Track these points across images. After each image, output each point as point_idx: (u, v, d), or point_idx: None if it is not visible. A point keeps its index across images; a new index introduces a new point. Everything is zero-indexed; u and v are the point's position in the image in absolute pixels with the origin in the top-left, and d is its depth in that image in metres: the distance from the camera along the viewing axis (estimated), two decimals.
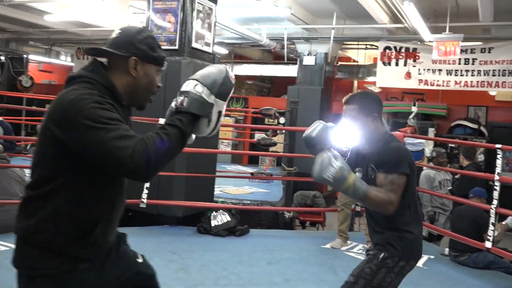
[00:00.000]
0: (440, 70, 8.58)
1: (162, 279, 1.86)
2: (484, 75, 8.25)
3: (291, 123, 7.22)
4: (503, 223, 4.67)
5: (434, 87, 8.82)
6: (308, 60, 9.92)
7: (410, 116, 6.94)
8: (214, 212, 5.12)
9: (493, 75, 8.18)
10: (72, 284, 1.48)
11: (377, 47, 9.35)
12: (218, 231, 4.95)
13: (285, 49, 9.52)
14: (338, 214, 4.94)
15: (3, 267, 3.57)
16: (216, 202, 5.73)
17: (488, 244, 4.21)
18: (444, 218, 6.02)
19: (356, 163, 2.36)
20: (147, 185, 4.84)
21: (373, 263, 2.21)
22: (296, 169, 7.13)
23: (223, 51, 10.78)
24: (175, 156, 1.47)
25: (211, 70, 1.55)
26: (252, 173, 8.04)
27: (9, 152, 5.43)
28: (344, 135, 2.29)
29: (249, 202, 6.43)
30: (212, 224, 5.00)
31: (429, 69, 8.69)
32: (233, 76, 1.58)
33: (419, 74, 8.79)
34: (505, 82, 8.07)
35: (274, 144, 7.37)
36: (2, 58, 12.29)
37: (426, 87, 8.87)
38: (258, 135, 8.65)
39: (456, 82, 8.50)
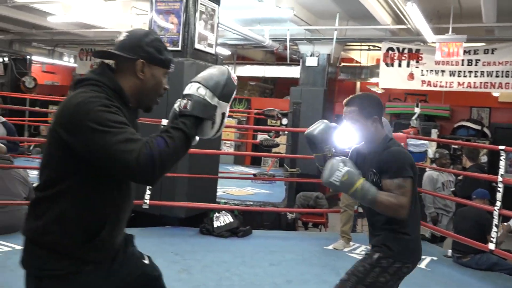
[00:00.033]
0: (443, 71, 8.58)
1: (164, 280, 1.86)
2: (487, 76, 8.24)
3: (294, 124, 7.21)
4: (505, 224, 4.66)
5: (437, 88, 8.81)
6: (311, 61, 9.92)
7: (413, 117, 6.91)
8: (216, 213, 5.12)
9: (496, 76, 8.16)
10: (78, 285, 1.49)
11: (380, 48, 9.34)
12: (221, 232, 4.95)
13: (288, 50, 9.52)
14: (341, 215, 4.94)
15: (6, 267, 3.58)
16: (219, 203, 5.74)
17: (492, 246, 4.20)
18: (447, 219, 6.00)
19: (356, 165, 2.37)
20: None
21: (367, 262, 2.23)
22: (299, 170, 7.13)
23: (226, 52, 10.79)
24: (179, 159, 1.47)
25: (213, 71, 1.55)
26: (254, 174, 8.05)
27: (13, 153, 5.44)
28: (346, 136, 2.30)
29: (251, 203, 6.42)
30: (215, 225, 5.00)
31: (432, 70, 8.69)
32: (235, 77, 1.58)
33: (422, 75, 8.78)
34: (508, 83, 8.06)
35: (277, 145, 7.38)
36: (6, 59, 12.34)
37: (429, 88, 8.86)
38: (261, 136, 8.65)
39: (459, 83, 8.49)
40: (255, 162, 11.75)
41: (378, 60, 9.84)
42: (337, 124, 2.32)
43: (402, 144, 5.33)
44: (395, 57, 8.96)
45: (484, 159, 8.89)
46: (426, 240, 5.56)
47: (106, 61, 1.61)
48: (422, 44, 8.75)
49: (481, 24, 7.58)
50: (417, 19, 6.90)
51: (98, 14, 8.78)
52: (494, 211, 4.23)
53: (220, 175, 6.27)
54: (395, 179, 2.11)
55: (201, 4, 5.25)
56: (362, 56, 11.19)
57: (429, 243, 5.51)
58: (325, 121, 2.31)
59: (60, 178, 1.47)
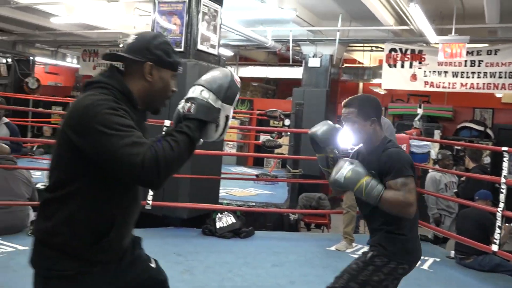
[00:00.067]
0: (446, 72, 8.56)
1: None
2: (490, 77, 8.22)
3: (296, 125, 7.21)
4: (506, 224, 4.65)
5: (440, 89, 8.79)
6: (313, 62, 9.92)
7: (416, 118, 6.90)
8: (219, 214, 5.13)
9: (500, 77, 8.15)
10: (87, 285, 1.51)
11: (382, 49, 9.33)
12: (223, 233, 4.96)
13: (291, 51, 9.52)
14: (344, 216, 4.93)
15: (8, 268, 3.58)
16: (221, 204, 5.74)
17: (495, 248, 4.19)
18: (450, 220, 6.00)
19: None
20: None
21: (360, 260, 2.26)
22: (301, 171, 7.12)
23: (229, 53, 10.80)
24: (184, 162, 1.49)
25: (217, 74, 1.56)
26: (257, 175, 8.04)
27: (16, 153, 5.46)
28: (349, 137, 2.31)
29: (254, 204, 6.42)
30: (217, 226, 5.01)
31: (435, 71, 8.67)
32: (239, 80, 1.59)
33: (425, 76, 8.77)
34: (511, 84, 8.04)
35: (279, 146, 7.37)
36: (9, 60, 12.37)
37: (432, 89, 8.85)
38: (263, 137, 8.66)
39: (462, 84, 8.47)
40: (258, 163, 11.75)
41: (380, 61, 9.82)
42: (341, 126, 2.32)
43: (404, 145, 5.35)
44: (398, 58, 8.95)
45: (487, 160, 8.87)
46: (428, 241, 5.55)
47: (115, 63, 1.63)
48: (425, 45, 8.74)
49: (484, 25, 7.57)
50: (419, 20, 6.90)
51: (101, 15, 8.80)
52: (497, 212, 4.23)
53: (222, 176, 6.28)
54: (398, 179, 2.11)
55: (203, 5, 5.26)
56: (365, 57, 11.18)
57: (432, 244, 5.50)
58: (329, 122, 2.32)
59: (69, 179, 1.49)
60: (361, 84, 11.73)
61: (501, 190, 4.22)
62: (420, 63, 8.80)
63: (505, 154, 4.28)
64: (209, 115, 1.51)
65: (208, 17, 5.38)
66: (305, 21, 8.50)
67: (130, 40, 1.62)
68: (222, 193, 6.20)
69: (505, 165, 4.26)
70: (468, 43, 7.49)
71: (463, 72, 8.41)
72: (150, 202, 4.87)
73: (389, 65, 9.03)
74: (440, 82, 8.66)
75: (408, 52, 8.89)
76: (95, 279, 1.51)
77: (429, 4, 7.32)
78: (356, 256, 4.51)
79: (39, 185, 4.98)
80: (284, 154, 9.09)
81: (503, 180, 4.22)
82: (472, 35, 7.49)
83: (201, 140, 1.57)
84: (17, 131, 5.99)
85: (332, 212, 6.91)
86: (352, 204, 4.84)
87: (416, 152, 5.64)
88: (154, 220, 5.06)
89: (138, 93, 1.59)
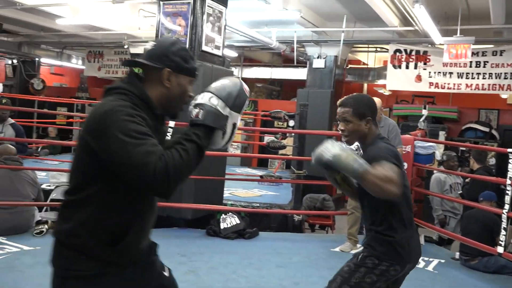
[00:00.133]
0: (451, 73, 8.54)
1: None
2: (496, 78, 8.19)
3: (301, 126, 7.21)
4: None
5: (445, 90, 8.77)
6: (318, 63, 9.91)
7: (421, 119, 6.89)
8: (223, 214, 5.13)
9: (505, 78, 8.12)
10: (103, 286, 1.54)
11: (387, 50, 9.32)
12: (227, 234, 4.96)
13: (295, 52, 9.52)
14: (348, 217, 4.92)
15: (14, 268, 3.60)
16: (226, 204, 5.74)
17: (500, 249, 4.17)
18: (454, 222, 5.97)
19: None
20: None
21: (352, 262, 2.26)
22: (306, 172, 7.12)
23: (233, 54, 10.81)
24: (193, 171, 1.51)
25: (226, 82, 1.60)
26: (261, 176, 8.05)
27: (21, 154, 5.48)
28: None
29: (258, 205, 6.42)
30: (222, 227, 5.01)
31: (440, 72, 8.65)
32: (248, 89, 1.63)
33: (430, 77, 8.75)
34: None
35: (284, 147, 7.37)
36: (15, 61, 12.43)
37: (436, 90, 8.82)
38: (268, 138, 8.66)
39: (467, 85, 8.45)
40: (262, 163, 11.75)
41: (385, 62, 9.81)
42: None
43: (409, 146, 5.34)
44: (403, 59, 8.93)
45: (492, 161, 8.83)
46: (433, 242, 5.54)
47: (135, 69, 1.66)
48: (429, 46, 8.72)
49: (489, 26, 7.55)
50: (424, 20, 6.88)
51: (106, 16, 8.83)
52: (503, 214, 4.21)
53: (227, 176, 6.28)
54: (382, 161, 2.03)
55: (208, 6, 5.27)
56: (370, 58, 11.17)
57: (437, 245, 5.48)
58: (333, 140, 2.29)
59: (88, 183, 1.52)
60: (365, 85, 11.70)
61: (507, 191, 4.20)
62: (425, 64, 8.78)
63: (511, 156, 4.25)
64: (217, 122, 1.53)
65: (213, 18, 5.39)
66: (310, 22, 8.49)
67: (149, 46, 1.66)
68: (226, 194, 6.20)
69: (510, 166, 4.23)
70: (473, 44, 7.46)
71: (468, 73, 8.38)
72: None
73: (394, 66, 9.02)
74: (445, 83, 8.64)
75: (413, 53, 8.87)
76: (110, 280, 1.55)
77: (434, 5, 7.30)
78: None
79: (44, 186, 5.00)
80: (288, 155, 9.09)
81: (508, 181, 4.19)
82: (477, 36, 7.47)
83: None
84: (22, 132, 6.02)
85: (337, 213, 6.90)
86: (357, 205, 4.83)
87: (421, 153, 5.62)
88: (158, 220, 5.01)
89: (157, 98, 1.61)
